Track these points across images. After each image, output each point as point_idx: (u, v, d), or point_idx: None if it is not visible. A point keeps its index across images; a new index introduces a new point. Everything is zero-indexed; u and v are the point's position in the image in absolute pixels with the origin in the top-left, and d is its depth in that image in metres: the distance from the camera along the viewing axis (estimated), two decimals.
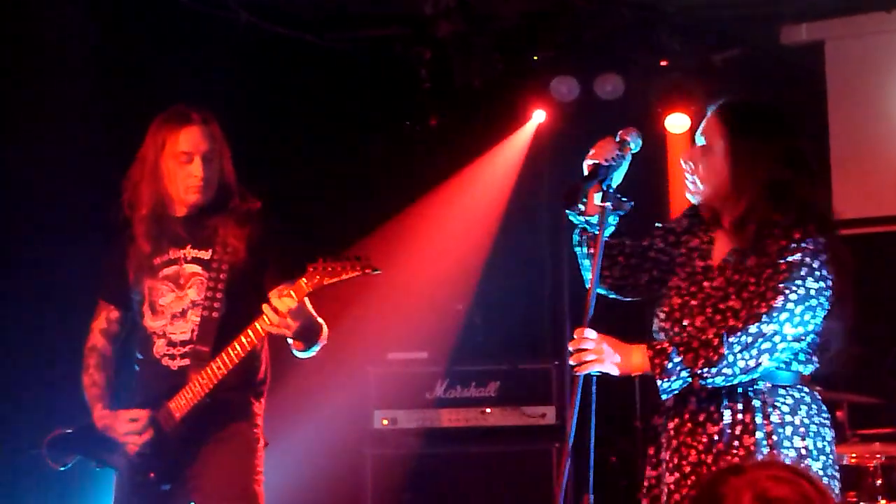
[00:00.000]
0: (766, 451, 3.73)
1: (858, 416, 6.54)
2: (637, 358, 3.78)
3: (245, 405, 4.74)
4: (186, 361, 4.66)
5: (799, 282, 3.73)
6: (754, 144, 3.86)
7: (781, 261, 3.74)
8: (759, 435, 3.76)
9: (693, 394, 3.84)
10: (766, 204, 3.80)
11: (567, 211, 4.01)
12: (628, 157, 3.92)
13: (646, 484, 4.00)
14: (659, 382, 3.75)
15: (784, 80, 7.38)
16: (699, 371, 3.72)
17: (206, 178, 4.69)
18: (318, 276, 4.42)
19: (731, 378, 3.73)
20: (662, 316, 3.95)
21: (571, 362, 3.76)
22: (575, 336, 3.78)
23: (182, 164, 4.67)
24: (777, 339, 3.71)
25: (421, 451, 7.12)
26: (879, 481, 5.92)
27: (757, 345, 3.70)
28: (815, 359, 3.85)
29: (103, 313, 4.87)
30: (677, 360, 3.73)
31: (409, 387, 7.20)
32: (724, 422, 3.80)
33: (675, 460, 3.88)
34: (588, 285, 3.81)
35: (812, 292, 3.74)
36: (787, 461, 3.72)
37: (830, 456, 3.84)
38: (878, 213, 7.45)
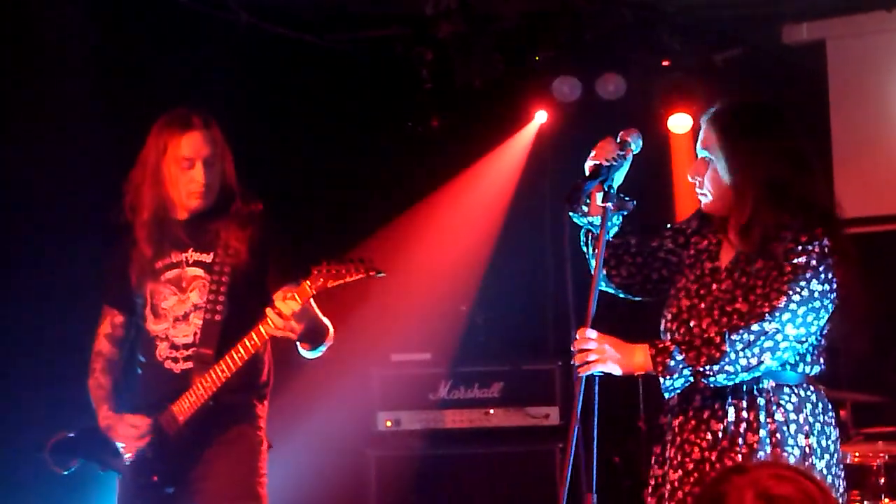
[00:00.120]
0: (769, 449, 3.74)
1: (862, 415, 6.54)
2: (639, 357, 3.79)
3: (248, 407, 4.74)
4: (189, 364, 4.66)
5: (803, 283, 3.73)
6: (749, 146, 3.85)
7: (787, 263, 3.75)
8: (762, 433, 3.76)
9: (697, 391, 3.84)
10: (768, 205, 3.80)
11: (570, 212, 4.01)
12: (629, 158, 3.92)
13: (652, 482, 4.00)
14: (661, 380, 3.76)
15: (785, 79, 7.37)
16: (701, 369, 3.72)
17: (208, 183, 4.69)
18: (321, 279, 4.42)
19: (734, 376, 3.73)
20: (669, 317, 3.96)
21: (574, 363, 3.76)
22: (577, 336, 3.78)
23: (184, 169, 4.67)
24: (779, 337, 3.71)
25: (425, 453, 7.12)
26: (883, 480, 5.91)
27: (759, 343, 3.70)
28: (821, 360, 3.86)
29: (108, 318, 4.87)
30: (679, 357, 3.73)
31: (413, 388, 7.20)
32: (729, 419, 3.81)
33: (679, 457, 3.88)
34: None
35: (816, 294, 3.74)
36: (792, 459, 3.72)
37: (835, 454, 3.85)
38: (880, 212, 7.45)
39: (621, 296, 4.16)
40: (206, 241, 4.72)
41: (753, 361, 3.71)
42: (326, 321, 4.69)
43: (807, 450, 3.78)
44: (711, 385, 3.77)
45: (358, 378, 7.20)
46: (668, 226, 4.13)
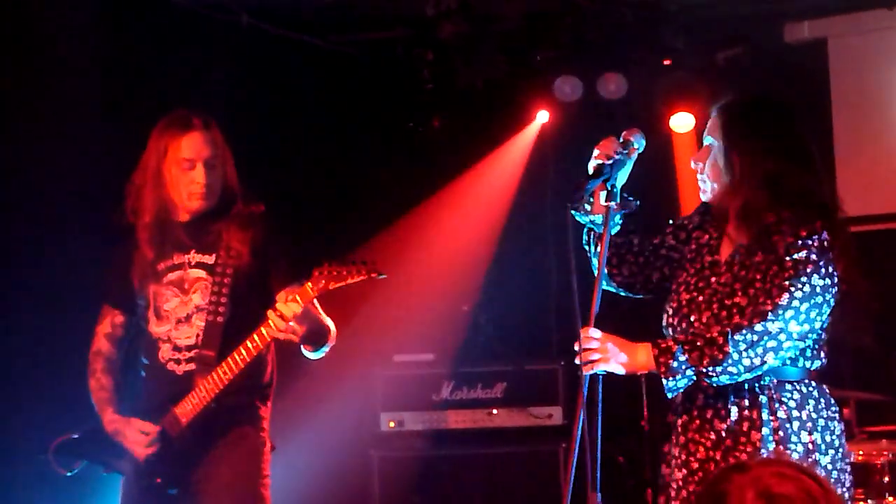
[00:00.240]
0: (772, 446, 3.74)
1: (866, 414, 6.53)
2: (642, 356, 3.79)
3: (251, 409, 4.74)
4: (192, 366, 4.66)
5: (804, 279, 3.73)
6: (750, 137, 3.88)
7: (787, 258, 3.75)
8: (765, 431, 3.76)
9: (700, 390, 3.84)
10: (764, 195, 3.80)
11: (573, 211, 4.01)
12: (633, 157, 3.92)
13: (661, 482, 4.00)
14: (664, 381, 3.76)
15: (787, 78, 7.36)
16: (704, 369, 3.72)
17: (209, 184, 4.69)
18: (323, 281, 4.42)
19: (736, 376, 3.73)
20: (670, 311, 3.96)
21: (577, 362, 3.76)
22: (580, 336, 3.78)
23: (185, 170, 4.67)
24: (783, 336, 3.71)
25: (428, 453, 7.12)
26: (887, 478, 5.90)
27: (762, 343, 3.70)
28: (822, 355, 3.85)
29: (108, 318, 4.87)
30: (682, 358, 3.73)
31: (416, 388, 7.19)
32: (732, 418, 3.81)
33: (683, 456, 3.89)
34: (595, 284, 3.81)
35: (818, 289, 3.74)
36: (796, 456, 3.72)
37: (840, 450, 3.84)
38: (882, 210, 7.44)
39: (623, 294, 4.16)
40: (208, 242, 4.73)
41: (757, 361, 3.71)
42: (329, 322, 4.69)
43: (810, 446, 3.77)
44: (714, 385, 3.77)
45: (361, 379, 7.20)
46: (671, 222, 4.13)
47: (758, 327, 3.70)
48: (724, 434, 3.82)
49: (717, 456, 3.82)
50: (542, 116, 7.89)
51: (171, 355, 4.71)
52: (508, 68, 7.66)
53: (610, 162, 3.84)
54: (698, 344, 3.74)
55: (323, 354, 4.73)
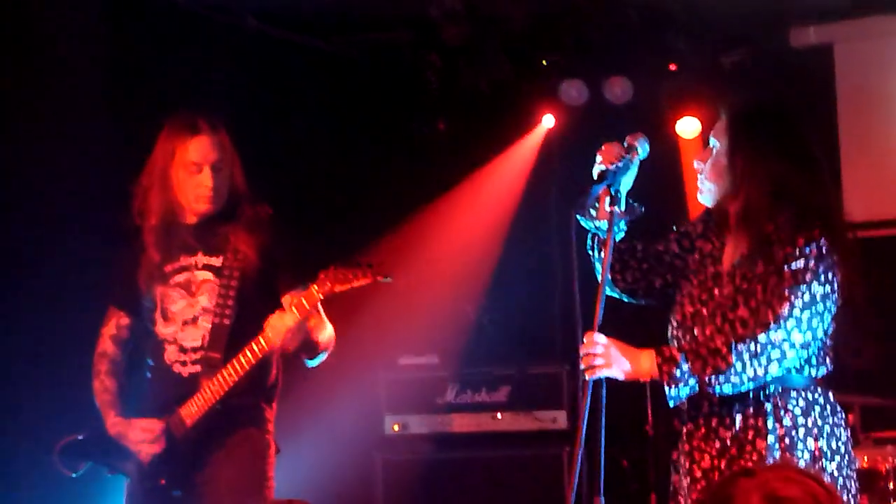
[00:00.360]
0: (778, 454, 3.73)
1: (871, 419, 6.52)
2: (646, 364, 3.78)
3: (256, 411, 4.74)
4: (198, 368, 4.66)
5: (804, 287, 3.72)
6: (753, 141, 3.87)
7: (787, 268, 3.73)
8: (771, 439, 3.75)
9: (706, 399, 3.83)
10: (765, 199, 3.80)
11: (578, 217, 4.01)
12: (636, 162, 3.90)
13: (671, 489, 4.00)
14: (667, 389, 3.75)
15: (793, 82, 7.36)
16: (707, 379, 3.71)
17: (216, 187, 4.69)
18: (329, 283, 4.43)
19: (740, 386, 3.73)
20: (675, 324, 3.95)
21: (581, 366, 3.76)
22: (585, 340, 3.78)
23: (192, 173, 4.68)
24: (786, 346, 3.70)
25: (432, 456, 7.12)
26: (892, 485, 5.90)
27: (766, 353, 3.69)
28: (827, 361, 3.85)
29: (113, 319, 4.87)
30: (686, 367, 3.72)
31: (420, 391, 7.20)
32: (736, 427, 3.80)
33: (688, 464, 3.89)
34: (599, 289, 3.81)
35: (818, 297, 3.73)
36: (802, 463, 3.71)
37: (846, 456, 3.83)
38: (889, 216, 7.43)
39: (625, 300, 4.15)
40: (215, 244, 4.73)
41: (760, 371, 3.70)
42: (329, 327, 4.70)
43: (816, 453, 3.76)
44: (717, 394, 3.77)
45: (365, 381, 7.20)
46: (675, 228, 4.12)
47: (761, 338, 3.69)
48: (728, 442, 3.81)
49: (722, 464, 3.82)
50: (548, 120, 7.89)
51: (176, 357, 4.71)
52: (513, 71, 7.66)
53: (613, 168, 3.83)
54: (702, 353, 3.73)
55: (319, 362, 4.74)
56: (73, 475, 4.80)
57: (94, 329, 4.89)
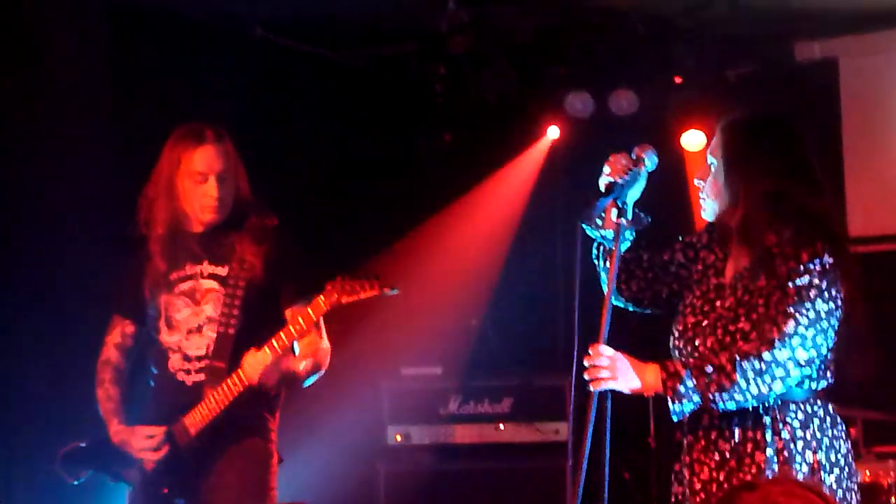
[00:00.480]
0: (777, 467, 3.72)
1: (873, 434, 6.52)
2: (650, 378, 3.78)
3: (260, 420, 4.75)
4: (202, 377, 4.67)
5: (809, 304, 3.70)
6: (750, 155, 3.86)
7: (790, 284, 3.72)
8: (769, 452, 3.75)
9: (706, 411, 3.82)
10: (764, 214, 3.79)
11: (583, 225, 4.01)
12: (643, 173, 3.89)
13: (672, 500, 4.00)
14: (670, 404, 3.75)
15: (797, 97, 7.37)
16: (711, 395, 3.71)
17: (221, 197, 4.70)
18: (335, 295, 4.44)
19: (744, 403, 3.72)
20: (677, 334, 3.95)
21: (585, 377, 3.76)
22: (590, 352, 3.78)
23: (197, 183, 4.68)
24: (790, 364, 3.68)
25: (434, 467, 7.11)
26: (894, 499, 5.89)
27: (770, 371, 3.68)
28: (828, 374, 3.84)
29: (118, 328, 4.88)
30: (690, 384, 3.71)
31: (423, 402, 7.19)
32: (735, 439, 3.80)
33: (687, 476, 3.89)
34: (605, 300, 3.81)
35: (822, 314, 3.72)
36: (801, 476, 3.71)
37: (846, 469, 3.82)
38: (892, 231, 7.44)
39: (630, 309, 4.16)
40: (220, 254, 4.74)
41: (764, 389, 3.69)
42: (325, 343, 4.72)
43: (815, 465, 3.75)
44: (721, 410, 3.77)
45: (368, 392, 7.19)
46: (680, 238, 4.12)
47: (766, 356, 3.68)
48: (728, 455, 3.81)
49: (721, 477, 3.81)
50: (553, 132, 7.90)
51: (181, 365, 4.72)
52: (519, 83, 7.67)
53: (621, 181, 3.83)
54: (707, 370, 3.72)
55: (311, 383, 4.76)
56: (75, 482, 4.80)
57: (98, 337, 4.90)
